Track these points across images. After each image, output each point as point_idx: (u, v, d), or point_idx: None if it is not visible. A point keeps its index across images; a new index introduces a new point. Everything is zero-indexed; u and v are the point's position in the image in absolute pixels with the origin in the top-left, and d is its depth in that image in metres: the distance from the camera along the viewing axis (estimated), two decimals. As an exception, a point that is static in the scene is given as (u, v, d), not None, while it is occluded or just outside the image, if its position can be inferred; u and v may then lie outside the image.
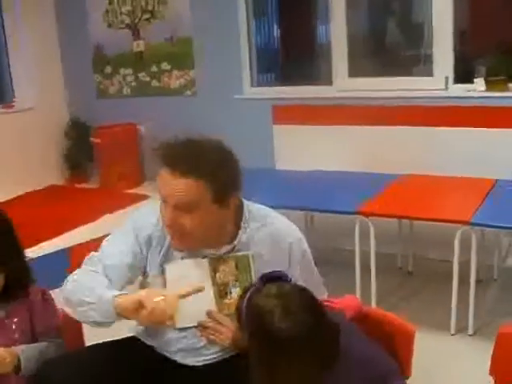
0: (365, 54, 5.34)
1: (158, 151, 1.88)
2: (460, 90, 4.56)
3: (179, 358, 2.03)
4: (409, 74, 4.92)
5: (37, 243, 4.25)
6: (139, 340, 2.11)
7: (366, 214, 3.55)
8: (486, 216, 3.35)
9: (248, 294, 1.66)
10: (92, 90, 6.23)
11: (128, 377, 1.96)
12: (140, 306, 1.75)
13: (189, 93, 5.67)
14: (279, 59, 6.26)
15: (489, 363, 2.10)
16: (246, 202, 2.05)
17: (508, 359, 2.10)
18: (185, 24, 5.51)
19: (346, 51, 4.96)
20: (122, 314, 1.80)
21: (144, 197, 5.43)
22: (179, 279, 1.97)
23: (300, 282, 2.03)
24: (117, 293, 1.84)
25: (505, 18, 4.71)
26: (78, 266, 4.06)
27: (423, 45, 4.90)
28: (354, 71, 5.00)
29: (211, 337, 1.96)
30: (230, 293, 1.97)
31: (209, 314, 1.96)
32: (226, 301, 1.97)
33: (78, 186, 6.24)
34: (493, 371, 2.15)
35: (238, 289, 1.96)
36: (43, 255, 4.12)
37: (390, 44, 5.41)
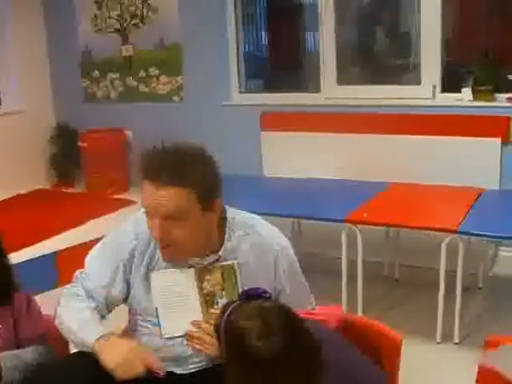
0: (353, 62, 5.36)
1: (139, 163, 1.87)
2: (447, 98, 4.58)
3: (166, 366, 2.02)
4: (397, 82, 4.93)
5: (23, 247, 4.22)
6: None
7: (354, 222, 3.56)
8: (472, 225, 3.38)
9: (227, 311, 1.63)
10: (79, 95, 6.20)
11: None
12: None
13: (176, 99, 5.66)
14: (267, 66, 6.26)
15: (475, 372, 2.10)
16: (229, 210, 2.04)
17: (492, 371, 2.11)
18: (174, 30, 5.50)
19: (335, 59, 4.97)
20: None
21: (131, 202, 5.39)
22: (165, 289, 1.96)
23: (287, 291, 2.04)
24: (97, 336, 1.88)
25: (492, 28, 4.74)
26: (65, 270, 4.04)
27: (411, 54, 4.92)
28: (343, 79, 5.01)
29: (197, 347, 1.95)
30: (217, 303, 1.96)
31: (195, 323, 1.96)
32: (213, 310, 1.96)
33: (64, 190, 6.20)
34: (479, 381, 2.16)
35: (224, 299, 1.95)
36: (29, 260, 4.09)
37: (378, 52, 5.43)
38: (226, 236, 1.98)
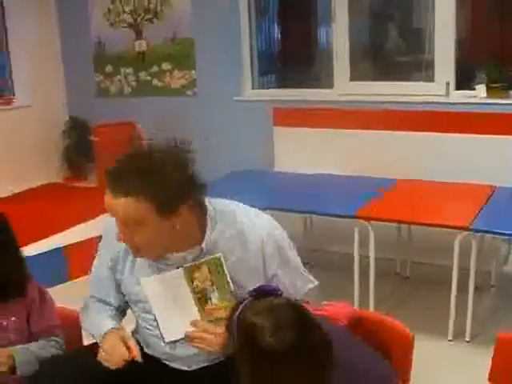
0: (366, 58, 5.34)
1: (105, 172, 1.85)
2: (461, 96, 4.57)
3: (172, 364, 2.03)
4: (410, 79, 4.91)
5: (34, 241, 4.24)
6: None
7: (366, 218, 3.54)
8: (485, 222, 3.35)
9: (240, 308, 1.63)
10: (92, 89, 6.23)
11: (125, 376, 1.95)
12: None
13: (189, 93, 5.67)
14: (279, 62, 6.25)
15: (486, 370, 2.08)
16: (212, 201, 1.98)
17: (507, 366, 2.09)
18: (187, 24, 5.51)
19: (348, 55, 4.96)
20: None
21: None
22: (161, 294, 1.95)
23: (280, 276, 1.99)
24: (104, 332, 1.97)
25: (505, 26, 4.72)
26: (75, 264, 4.06)
27: (425, 50, 4.90)
28: (356, 75, 4.99)
29: (200, 345, 1.91)
30: (210, 299, 1.93)
31: (194, 323, 1.93)
32: (208, 307, 1.93)
33: (76, 184, 6.23)
34: (492, 378, 2.15)
35: (216, 293, 1.92)
36: (41, 253, 4.10)
37: (392, 49, 5.41)
38: (208, 229, 1.92)
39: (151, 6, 5.66)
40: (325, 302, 2.09)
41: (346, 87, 4.95)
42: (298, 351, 1.52)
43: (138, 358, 1.88)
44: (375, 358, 1.89)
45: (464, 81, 4.64)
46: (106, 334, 1.96)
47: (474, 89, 4.48)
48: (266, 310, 1.57)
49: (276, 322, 1.53)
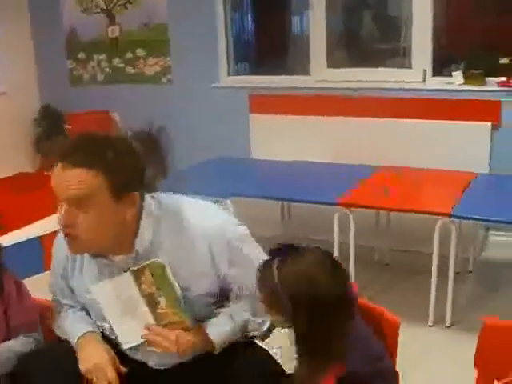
0: (343, 45, 5.31)
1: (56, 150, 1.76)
2: (438, 82, 4.56)
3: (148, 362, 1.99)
4: (387, 66, 4.89)
5: (8, 232, 4.16)
6: None
7: (347, 206, 3.53)
8: (465, 208, 3.37)
9: (275, 272, 1.64)
10: (65, 76, 6.11)
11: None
12: None
13: (164, 80, 5.59)
14: (253, 50, 6.20)
15: (467, 354, 2.08)
16: (158, 197, 1.89)
17: (492, 351, 2.09)
18: (161, 10, 5.42)
19: (325, 42, 4.93)
20: None
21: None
22: (113, 299, 1.88)
23: (233, 274, 1.89)
24: (79, 334, 1.95)
25: (484, 12, 4.72)
26: (50, 255, 4.00)
27: (402, 37, 4.88)
28: (333, 62, 4.97)
29: (158, 350, 1.86)
30: (159, 302, 1.84)
31: (148, 328, 1.86)
32: (159, 311, 1.85)
33: (48, 173, 6.12)
34: (476, 363, 2.14)
35: (162, 298, 1.83)
36: (15, 244, 4.02)
37: (369, 36, 5.39)
38: (145, 229, 1.82)
39: (125, -10, 5.57)
40: None
41: (323, 74, 4.92)
42: (341, 298, 1.65)
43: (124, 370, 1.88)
44: (384, 350, 1.89)
45: (442, 68, 4.63)
46: (80, 338, 1.93)
47: (452, 76, 4.47)
48: (311, 261, 1.67)
49: (323, 270, 1.65)
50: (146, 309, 1.86)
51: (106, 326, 1.96)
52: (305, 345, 1.68)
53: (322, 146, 4.74)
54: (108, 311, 1.90)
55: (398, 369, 1.96)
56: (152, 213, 1.84)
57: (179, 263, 1.83)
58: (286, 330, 1.75)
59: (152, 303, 1.85)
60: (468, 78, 4.40)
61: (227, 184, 4.08)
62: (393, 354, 2.01)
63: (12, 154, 6.01)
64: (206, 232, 1.85)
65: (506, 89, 4.26)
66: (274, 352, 1.97)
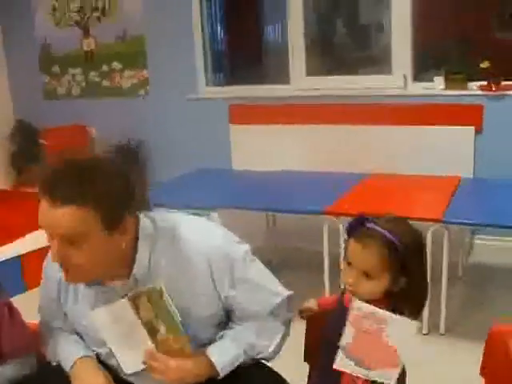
0: (323, 53, 5.29)
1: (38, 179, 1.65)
2: (419, 88, 4.55)
3: None
4: (369, 73, 4.88)
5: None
6: None
7: (336, 214, 3.48)
8: (455, 213, 3.34)
9: (385, 231, 1.71)
10: (39, 91, 6.00)
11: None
12: None
13: (142, 93, 5.51)
14: (229, 59, 6.15)
15: (464, 361, 2.05)
16: (152, 216, 1.81)
17: (499, 360, 2.05)
18: (137, 22, 5.35)
19: (304, 50, 4.89)
20: None
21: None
22: (113, 325, 1.80)
23: (235, 295, 1.82)
24: (72, 362, 1.86)
25: (465, 16, 4.73)
26: (31, 274, 3.88)
27: (383, 43, 4.87)
28: (312, 70, 4.94)
29: (158, 376, 1.76)
30: (159, 330, 1.76)
31: (148, 355, 1.76)
32: (159, 337, 1.77)
33: (25, 190, 6.00)
34: (483, 372, 2.10)
35: (161, 324, 1.76)
36: (-5, 263, 3.93)
37: (349, 43, 5.38)
38: (142, 252, 1.75)
39: (99, 2, 5.47)
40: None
41: (302, 82, 4.88)
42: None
43: None
44: None
45: (422, 73, 4.62)
46: (75, 364, 1.85)
47: (433, 81, 4.47)
48: (402, 221, 1.82)
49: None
50: (146, 335, 1.78)
51: (103, 351, 1.89)
52: (413, 292, 1.79)
53: (304, 154, 4.70)
54: (108, 337, 1.83)
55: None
56: (148, 235, 1.76)
57: (178, 285, 1.76)
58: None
59: (152, 330, 1.77)
60: (449, 83, 4.39)
61: (209, 196, 4.02)
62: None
63: (-14, 171, 5.89)
64: (206, 252, 1.78)
65: (488, 93, 4.26)
66: None
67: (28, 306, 2.08)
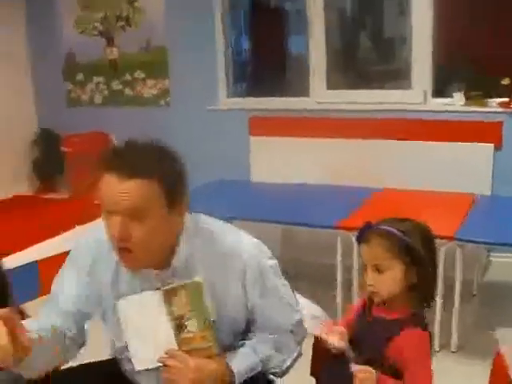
0: (343, 66, 5.30)
1: (101, 158, 1.70)
2: (439, 104, 4.54)
3: None
4: (388, 87, 4.88)
5: (4, 256, 4.09)
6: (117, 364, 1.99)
7: (349, 229, 3.48)
8: (470, 231, 3.33)
9: (398, 231, 1.83)
10: (62, 98, 6.08)
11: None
12: None
13: (163, 103, 5.56)
14: (251, 69, 6.19)
15: (474, 380, 2.04)
16: (194, 217, 1.85)
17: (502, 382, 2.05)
18: (160, 32, 5.41)
19: (325, 63, 4.91)
20: None
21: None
22: (136, 316, 1.79)
23: (262, 308, 1.85)
24: None
25: (484, 34, 4.71)
26: (47, 280, 3.92)
27: (403, 59, 4.87)
28: (333, 84, 4.95)
29: (173, 377, 1.74)
30: (187, 326, 1.76)
31: (169, 352, 1.75)
32: (184, 335, 1.76)
33: (47, 196, 6.08)
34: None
35: (193, 321, 1.75)
36: (11, 269, 3.95)
37: (369, 57, 5.39)
38: (183, 245, 1.78)
39: (123, 12, 5.54)
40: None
41: (323, 96, 4.89)
42: None
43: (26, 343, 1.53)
44: None
45: (443, 88, 4.61)
46: None
47: (453, 96, 4.46)
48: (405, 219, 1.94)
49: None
50: (170, 332, 1.77)
51: (119, 345, 1.88)
52: (425, 282, 1.84)
53: (322, 168, 4.70)
54: (127, 328, 1.81)
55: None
56: (189, 232, 1.80)
57: (211, 285, 1.78)
58: None
59: (178, 326, 1.77)
60: (469, 99, 4.38)
61: (227, 207, 4.03)
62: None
63: (9, 176, 5.97)
64: (242, 258, 1.82)
65: (508, 110, 4.24)
66: None
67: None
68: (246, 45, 6.04)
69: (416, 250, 1.80)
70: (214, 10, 5.19)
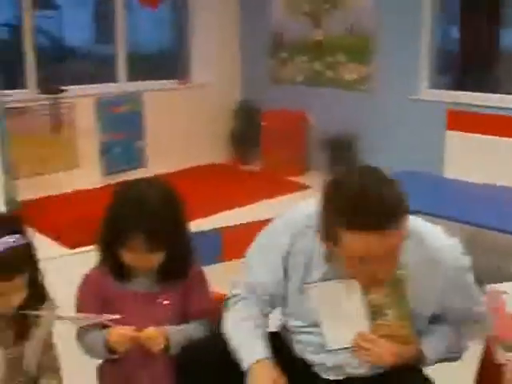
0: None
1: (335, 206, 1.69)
2: None
3: (320, 371, 1.94)
4: None
5: (192, 219, 4.29)
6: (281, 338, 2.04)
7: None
8: None
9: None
10: (266, 74, 6.26)
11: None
12: None
13: (362, 87, 5.54)
14: (457, 62, 5.95)
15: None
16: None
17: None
18: (366, 16, 5.38)
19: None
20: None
21: (305, 186, 5.36)
22: (329, 301, 1.86)
23: (455, 306, 1.90)
24: (253, 360, 1.81)
25: None
26: (230, 247, 4.07)
27: None
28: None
29: (366, 358, 1.85)
30: (385, 315, 1.84)
31: (361, 335, 1.85)
32: (380, 322, 1.85)
33: (240, 167, 6.30)
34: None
35: (393, 311, 1.83)
36: (197, 232, 4.14)
37: None
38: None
39: (331, -4, 5.58)
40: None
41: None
42: None
43: None
44: None
45: None
46: (255, 364, 1.81)
47: None
48: None
49: None
50: (363, 317, 1.86)
51: (297, 324, 1.94)
52: None
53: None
54: (323, 310, 1.88)
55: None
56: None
57: (417, 280, 1.82)
58: None
59: (375, 314, 1.85)
60: None
61: (414, 199, 3.93)
62: None
63: (208, 144, 6.26)
64: (446, 259, 1.83)
65: None
66: None
67: (219, 277, 2.22)
68: (455, 34, 5.82)
69: None
70: (423, -2, 5.06)
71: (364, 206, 1.64)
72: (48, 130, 5.32)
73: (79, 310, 2.01)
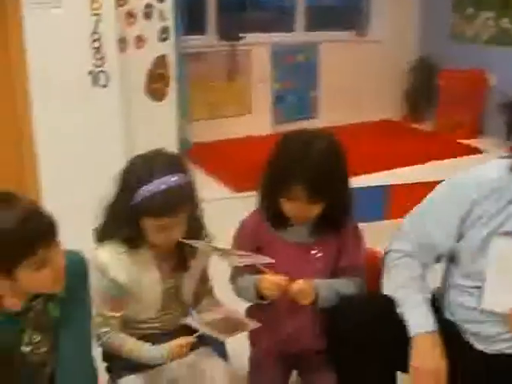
0: None
1: None
2: None
3: (471, 339, 1.87)
4: None
5: (356, 175, 4.25)
6: None
7: None
8: None
9: None
10: (446, 31, 5.98)
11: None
12: None
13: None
14: None
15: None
16: None
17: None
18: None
19: None
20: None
21: (477, 151, 5.14)
22: (505, 259, 1.74)
23: None
24: (420, 330, 1.78)
25: None
26: (394, 206, 4.01)
27: None
28: None
29: None
30: None
31: None
32: None
33: (412, 125, 6.14)
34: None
35: None
36: (360, 188, 4.10)
37: None
38: None
39: None
40: None
41: None
42: None
43: None
44: None
45: None
46: (423, 335, 1.78)
47: None
48: None
49: None
50: None
51: (463, 282, 1.88)
52: None
53: None
54: (493, 265, 1.78)
55: None
56: None
57: None
58: None
59: None
60: None
61: None
62: None
63: (380, 100, 6.15)
64: None
65: None
66: None
67: (378, 235, 2.19)
68: None
69: None
70: None
71: None
72: (224, 75, 5.44)
73: (235, 252, 2.07)
